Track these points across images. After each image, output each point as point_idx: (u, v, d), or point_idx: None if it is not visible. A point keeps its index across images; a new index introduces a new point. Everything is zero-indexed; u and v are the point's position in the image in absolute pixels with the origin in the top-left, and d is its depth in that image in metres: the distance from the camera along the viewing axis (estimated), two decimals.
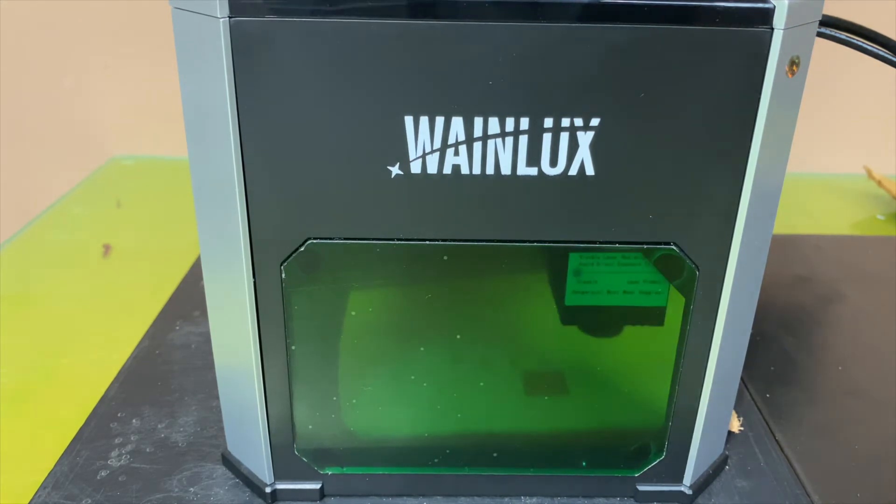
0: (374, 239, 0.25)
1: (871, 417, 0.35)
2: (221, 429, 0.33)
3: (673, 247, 0.25)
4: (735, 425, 0.34)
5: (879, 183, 0.61)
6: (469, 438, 0.29)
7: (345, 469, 0.30)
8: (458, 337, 0.27)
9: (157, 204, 0.58)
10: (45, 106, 0.65)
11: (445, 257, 0.26)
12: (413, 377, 0.28)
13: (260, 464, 0.29)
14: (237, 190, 0.24)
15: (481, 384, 0.28)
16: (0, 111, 0.64)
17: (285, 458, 0.29)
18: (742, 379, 0.37)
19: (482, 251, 0.25)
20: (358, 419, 0.29)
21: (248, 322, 0.26)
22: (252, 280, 0.26)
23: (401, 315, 0.27)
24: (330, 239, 0.25)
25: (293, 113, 0.23)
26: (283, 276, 0.26)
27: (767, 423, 0.34)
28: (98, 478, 0.30)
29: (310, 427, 0.29)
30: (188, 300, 0.43)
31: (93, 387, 0.36)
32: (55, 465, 0.31)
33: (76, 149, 0.67)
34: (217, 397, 0.35)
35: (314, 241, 0.25)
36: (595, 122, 0.23)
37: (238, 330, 0.27)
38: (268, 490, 0.29)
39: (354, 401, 0.28)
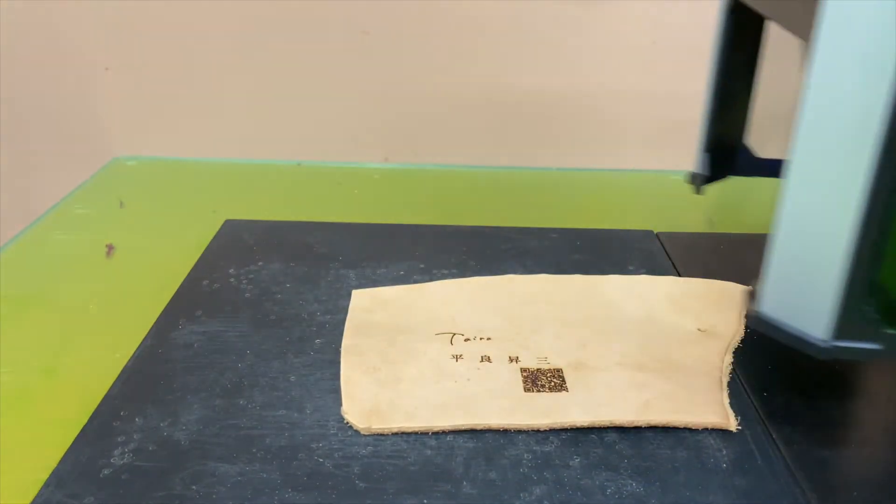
0: None
1: (870, 417, 0.35)
2: (223, 427, 0.33)
3: None
4: (732, 423, 0.34)
5: None
6: None
7: None
8: None
9: (160, 204, 0.58)
10: (47, 106, 0.65)
11: None
12: None
13: (818, 321, 0.27)
14: None
15: None
16: (2, 111, 0.65)
17: (851, 316, 0.27)
18: (739, 378, 0.37)
19: None
20: None
21: (865, 148, 0.23)
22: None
23: None
24: None
25: None
26: None
27: (765, 422, 0.34)
28: (101, 476, 0.31)
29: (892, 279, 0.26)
30: (191, 300, 0.43)
31: (96, 385, 0.36)
32: (58, 464, 0.31)
33: (79, 149, 0.67)
34: (218, 396, 0.35)
35: None
36: None
37: (845, 160, 0.23)
38: (823, 346, 0.27)
39: None
